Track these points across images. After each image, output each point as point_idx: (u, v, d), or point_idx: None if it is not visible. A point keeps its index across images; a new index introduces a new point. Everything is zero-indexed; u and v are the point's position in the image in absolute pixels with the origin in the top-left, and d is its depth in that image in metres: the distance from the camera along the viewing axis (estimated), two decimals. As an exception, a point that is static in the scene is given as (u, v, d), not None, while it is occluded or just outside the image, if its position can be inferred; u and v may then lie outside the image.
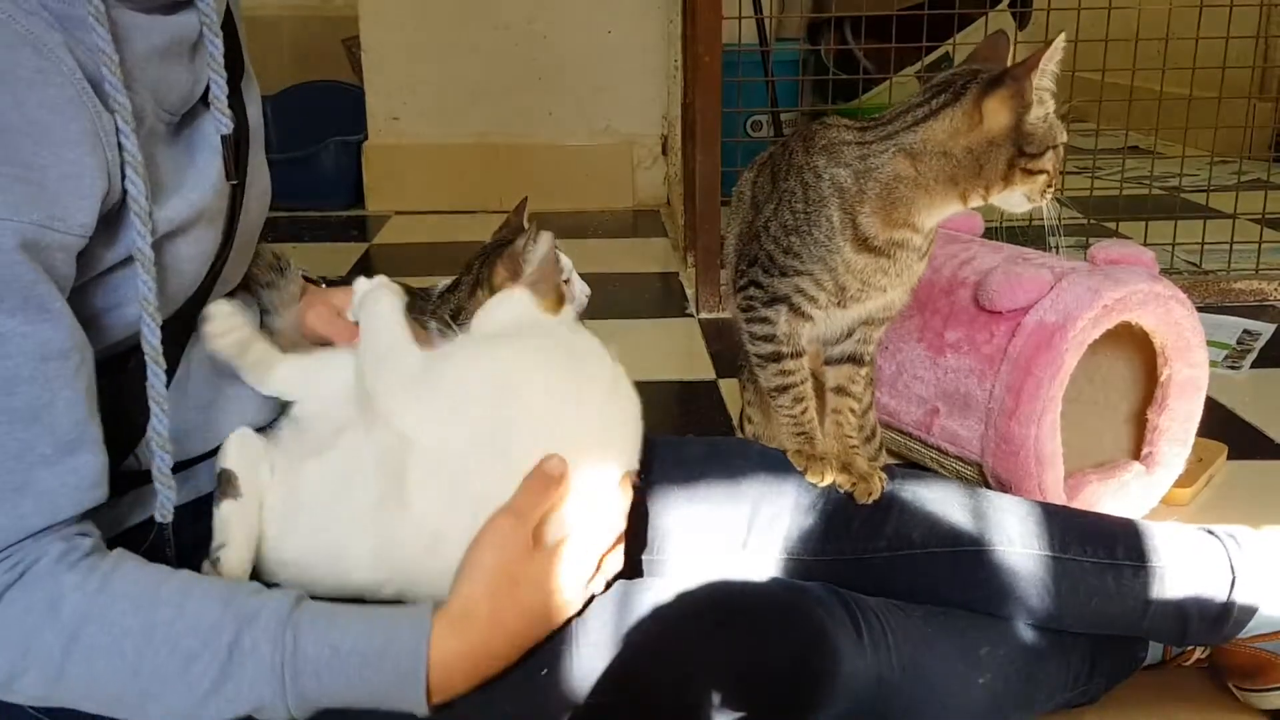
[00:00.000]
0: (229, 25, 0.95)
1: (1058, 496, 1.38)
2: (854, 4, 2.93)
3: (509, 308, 1.01)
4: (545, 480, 0.85)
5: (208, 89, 0.90)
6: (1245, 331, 2.20)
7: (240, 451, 0.91)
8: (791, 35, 3.52)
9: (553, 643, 0.87)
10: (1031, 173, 1.03)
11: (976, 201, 1.05)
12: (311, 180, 3.45)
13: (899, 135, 1.05)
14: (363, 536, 0.87)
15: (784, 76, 3.13)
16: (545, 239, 1.01)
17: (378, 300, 0.97)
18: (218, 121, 0.90)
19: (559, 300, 1.02)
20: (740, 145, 2.68)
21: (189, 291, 0.90)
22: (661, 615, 0.90)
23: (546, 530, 0.86)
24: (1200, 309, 1.48)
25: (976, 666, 0.97)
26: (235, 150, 0.92)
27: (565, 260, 1.10)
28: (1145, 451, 1.49)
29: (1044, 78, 1.01)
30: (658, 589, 0.92)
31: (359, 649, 0.78)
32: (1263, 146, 3.25)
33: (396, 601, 0.85)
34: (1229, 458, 1.64)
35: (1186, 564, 1.04)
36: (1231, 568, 1.04)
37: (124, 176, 0.79)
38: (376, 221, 3.40)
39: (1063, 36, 1.01)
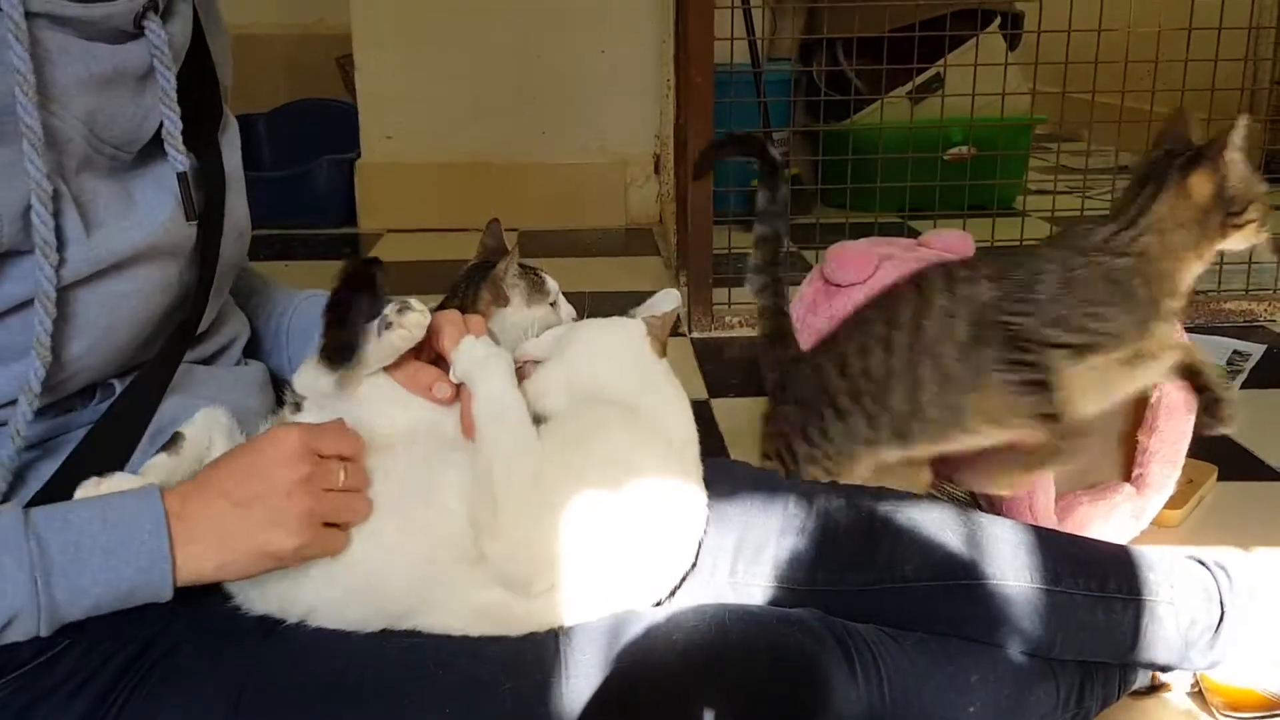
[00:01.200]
0: (203, 71, 0.93)
1: (1048, 518, 1.38)
2: (846, 25, 2.94)
3: (625, 340, 1.02)
4: (342, 428, 0.88)
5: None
6: (1235, 352, 2.20)
7: (203, 424, 0.91)
8: (783, 55, 3.53)
9: (543, 672, 0.87)
10: (1240, 225, 1.20)
11: (1208, 257, 1.22)
12: (304, 198, 3.45)
13: (1137, 222, 1.20)
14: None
15: (776, 97, 3.13)
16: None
17: (494, 372, 0.93)
18: (172, 159, 0.88)
19: (664, 349, 1.04)
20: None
21: (138, 329, 0.88)
22: (652, 647, 0.90)
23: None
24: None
25: (967, 694, 0.96)
26: (209, 195, 0.90)
27: (551, 283, 1.09)
28: (1136, 473, 1.48)
29: (1233, 150, 1.19)
30: (649, 620, 0.92)
31: (99, 542, 0.78)
32: (1252, 168, 3.27)
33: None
34: (1219, 479, 1.64)
35: (1177, 597, 1.04)
36: (1221, 602, 1.05)
37: (28, 209, 0.76)
38: (369, 239, 3.40)
39: (1245, 118, 1.19)
